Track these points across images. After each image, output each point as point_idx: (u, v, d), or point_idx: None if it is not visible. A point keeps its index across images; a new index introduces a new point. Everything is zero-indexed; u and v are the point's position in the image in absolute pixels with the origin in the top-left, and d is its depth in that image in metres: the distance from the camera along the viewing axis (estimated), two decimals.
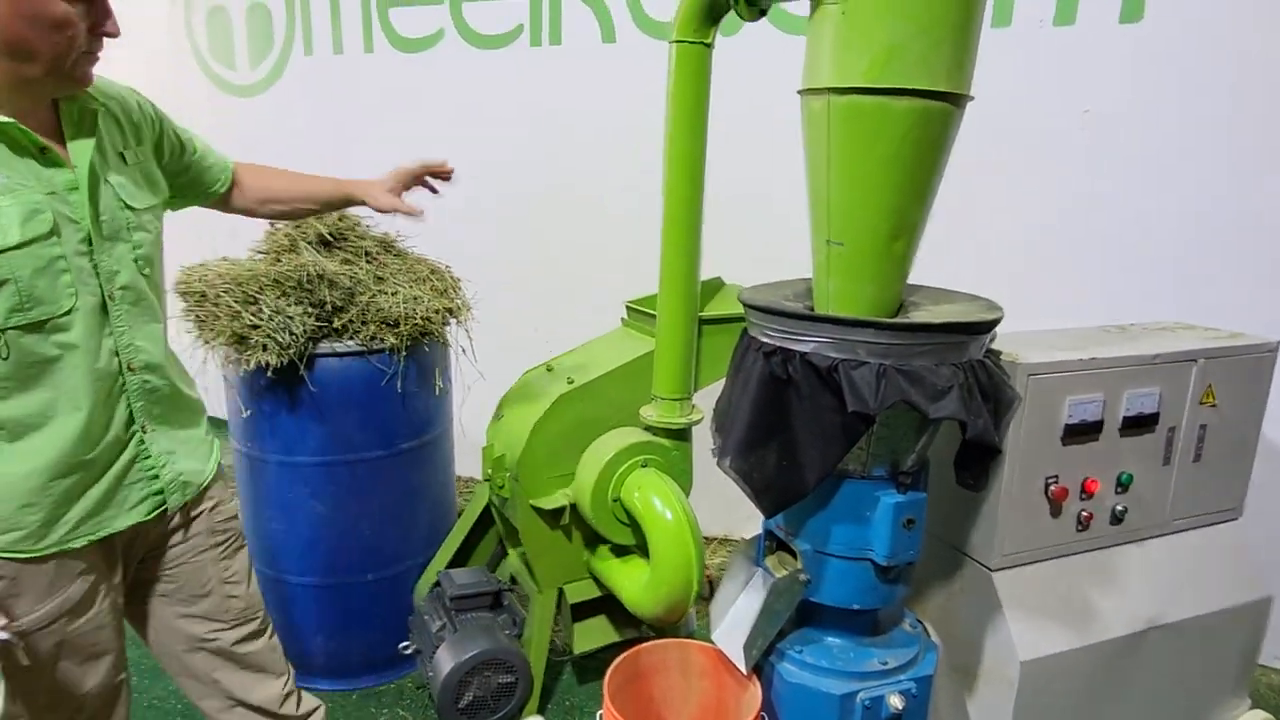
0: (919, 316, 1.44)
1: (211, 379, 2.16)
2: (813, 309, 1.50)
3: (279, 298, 2.03)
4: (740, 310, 1.68)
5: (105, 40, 1.26)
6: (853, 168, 1.33)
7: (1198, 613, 1.88)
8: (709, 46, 1.66)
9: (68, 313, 1.26)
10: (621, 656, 1.70)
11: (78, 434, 1.30)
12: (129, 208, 1.36)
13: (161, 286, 1.51)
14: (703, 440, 2.00)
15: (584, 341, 2.34)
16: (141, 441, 1.41)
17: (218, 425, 4.37)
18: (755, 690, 1.60)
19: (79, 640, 1.39)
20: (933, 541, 1.84)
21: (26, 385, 1.25)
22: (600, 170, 3.09)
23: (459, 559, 2.40)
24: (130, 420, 1.39)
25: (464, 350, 2.39)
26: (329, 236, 2.28)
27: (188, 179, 1.57)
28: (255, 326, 1.98)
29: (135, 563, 1.54)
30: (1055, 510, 1.76)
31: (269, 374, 2.01)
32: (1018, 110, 2.41)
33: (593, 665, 2.42)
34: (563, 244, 3.27)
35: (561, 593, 2.16)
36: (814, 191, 1.41)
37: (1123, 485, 1.81)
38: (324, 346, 2.08)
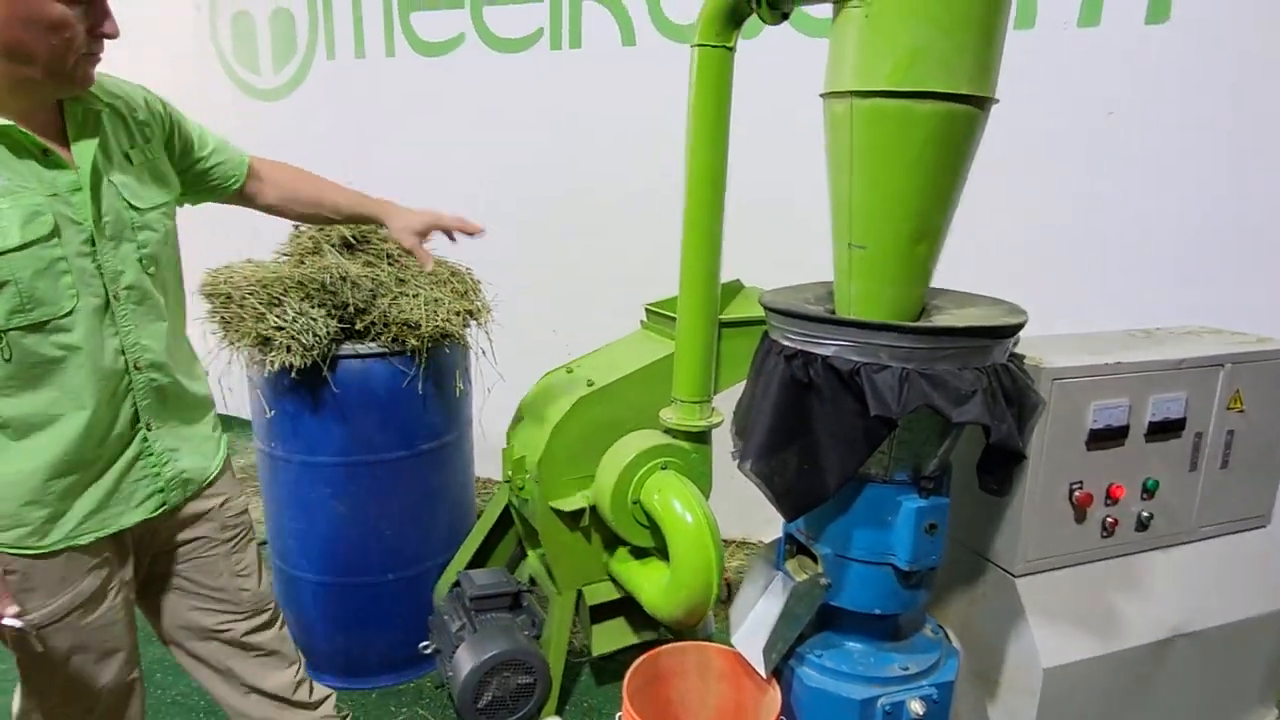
0: (942, 320, 1.44)
1: (236, 379, 2.19)
2: (834, 312, 1.50)
3: (303, 300, 2.05)
4: (760, 313, 1.68)
5: (107, 41, 1.26)
6: (875, 171, 1.32)
7: (1224, 621, 1.85)
8: (731, 50, 1.66)
9: (69, 313, 1.26)
10: (640, 659, 1.70)
11: (82, 432, 1.31)
12: (133, 207, 1.36)
13: (176, 284, 1.51)
14: (722, 443, 2.00)
15: (604, 344, 2.34)
16: (145, 439, 1.42)
17: (241, 425, 4.43)
18: (775, 694, 1.60)
19: (91, 636, 1.41)
20: (955, 546, 1.83)
21: (30, 385, 1.27)
22: (620, 173, 3.09)
23: (478, 560, 2.41)
24: (135, 418, 1.40)
25: (484, 352, 2.40)
26: (352, 239, 2.30)
27: (199, 175, 1.56)
28: (279, 328, 2.00)
29: (148, 558, 1.56)
30: (1080, 516, 1.74)
31: (292, 375, 2.03)
32: (1041, 112, 2.39)
33: (611, 667, 2.42)
34: (582, 247, 3.28)
35: (580, 594, 2.17)
36: (836, 195, 1.41)
37: (1148, 491, 1.79)
38: (346, 348, 2.10)
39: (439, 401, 2.27)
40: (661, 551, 1.97)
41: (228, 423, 4.22)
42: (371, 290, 2.16)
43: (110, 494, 1.39)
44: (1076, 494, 1.72)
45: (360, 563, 2.29)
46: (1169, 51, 2.32)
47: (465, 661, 2.02)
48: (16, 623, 1.24)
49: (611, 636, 2.21)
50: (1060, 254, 2.53)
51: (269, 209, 1.71)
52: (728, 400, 1.91)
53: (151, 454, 1.44)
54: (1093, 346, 1.77)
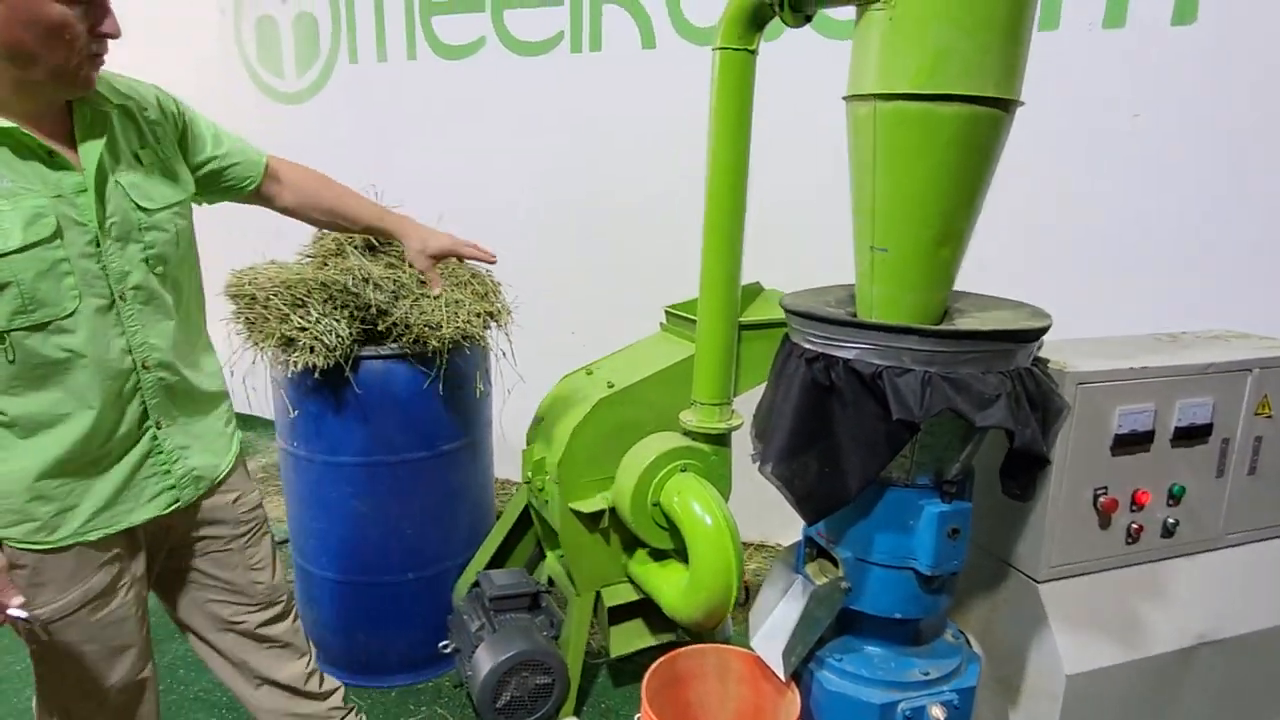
0: (965, 323, 1.43)
1: (260, 379, 2.22)
2: (855, 315, 1.50)
3: (326, 301, 2.07)
4: (779, 315, 1.68)
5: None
6: (899, 174, 1.32)
7: (1250, 629, 1.83)
8: (753, 53, 1.66)
9: (71, 314, 1.27)
10: (659, 660, 1.71)
11: (87, 431, 1.32)
12: (141, 208, 1.36)
13: (192, 282, 1.52)
14: (740, 446, 2.00)
15: (623, 346, 2.35)
16: (155, 437, 1.43)
17: (264, 425, 4.47)
18: (794, 698, 1.59)
19: (102, 632, 1.43)
20: (976, 551, 1.82)
21: (36, 385, 1.28)
22: (639, 176, 3.10)
23: (497, 560, 2.42)
24: (144, 416, 1.41)
25: (504, 354, 2.41)
26: (375, 241, 2.32)
27: (214, 175, 1.56)
28: (303, 329, 2.03)
29: (163, 554, 1.58)
30: (1104, 522, 1.73)
31: (315, 376, 2.05)
32: (1066, 115, 2.37)
33: (628, 668, 2.42)
34: (601, 249, 3.29)
35: (599, 595, 2.17)
36: (858, 198, 1.41)
37: (1174, 497, 1.77)
38: (368, 349, 2.12)
39: (459, 403, 2.28)
40: (681, 554, 1.98)
41: (250, 422, 4.30)
42: (393, 292, 2.17)
43: (120, 491, 1.40)
44: (1101, 500, 1.70)
45: (381, 562, 2.31)
46: (1196, 53, 2.29)
47: (484, 661, 2.04)
48: (22, 613, 1.25)
49: (629, 638, 2.22)
50: (1085, 257, 2.51)
51: (286, 212, 1.71)
52: (747, 403, 1.91)
53: (161, 452, 1.45)
54: (1118, 351, 1.75)
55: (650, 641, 2.22)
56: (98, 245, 1.30)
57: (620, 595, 2.17)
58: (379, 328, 2.13)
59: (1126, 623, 1.75)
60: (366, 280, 2.16)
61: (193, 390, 1.50)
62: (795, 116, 2.44)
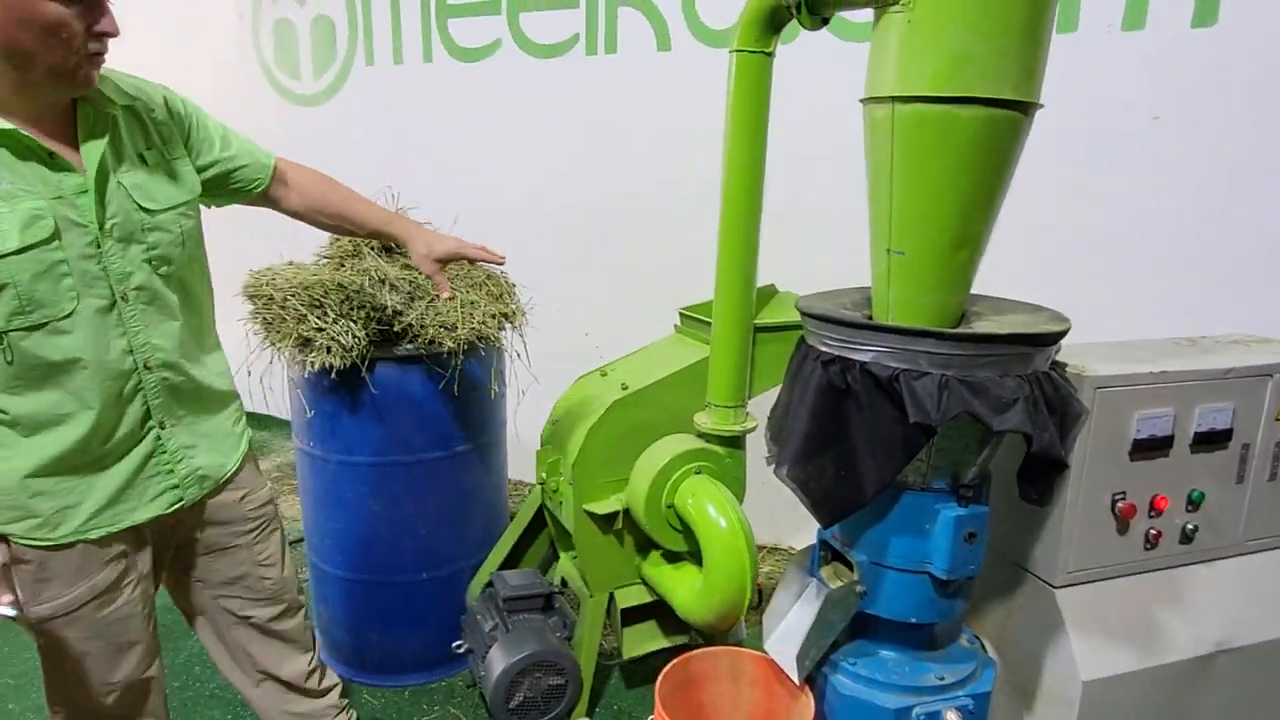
0: (982, 327, 1.42)
1: (277, 379, 2.23)
2: (871, 318, 1.49)
3: (342, 302, 2.08)
4: (794, 318, 1.67)
5: (109, 41, 1.25)
6: (916, 176, 1.32)
7: (1269, 637, 1.81)
8: (770, 56, 1.66)
9: (69, 315, 1.27)
10: (672, 663, 1.71)
11: (87, 431, 1.33)
12: (144, 209, 1.36)
13: (200, 282, 1.52)
14: (754, 448, 1.99)
15: (637, 348, 2.35)
16: (159, 437, 1.44)
17: (279, 424, 4.50)
18: (807, 701, 1.59)
19: (108, 629, 1.44)
20: (992, 556, 1.81)
21: (35, 385, 1.29)
22: (654, 178, 3.10)
23: (511, 561, 2.43)
24: (146, 416, 1.41)
25: (518, 355, 2.42)
26: (391, 243, 2.33)
27: (221, 177, 1.56)
28: (320, 330, 2.04)
29: (170, 552, 1.59)
30: (1122, 527, 1.71)
31: (332, 376, 2.07)
32: (1084, 117, 2.36)
33: (641, 670, 2.42)
34: (616, 251, 3.29)
35: (612, 597, 2.17)
36: (875, 200, 1.40)
37: (1193, 503, 1.75)
38: (384, 350, 2.13)
39: (474, 404, 2.29)
40: (694, 556, 1.97)
41: (266, 422, 4.32)
42: (409, 294, 2.19)
43: (122, 490, 1.41)
44: (1119, 505, 1.69)
45: (395, 562, 2.32)
46: (1216, 55, 2.27)
47: (498, 661, 2.04)
48: (9, 611, 1.27)
49: (642, 640, 2.22)
50: (1103, 260, 2.49)
51: (294, 215, 1.71)
52: (761, 406, 1.91)
53: (165, 451, 1.45)
54: (1137, 355, 1.74)
55: (663, 643, 2.22)
56: (98, 246, 1.30)
57: (633, 597, 2.17)
58: (395, 329, 2.14)
59: (1144, 629, 1.73)
60: (383, 282, 2.17)
61: (200, 390, 1.51)
62: (811, 119, 2.44)
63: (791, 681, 1.59)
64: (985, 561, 1.51)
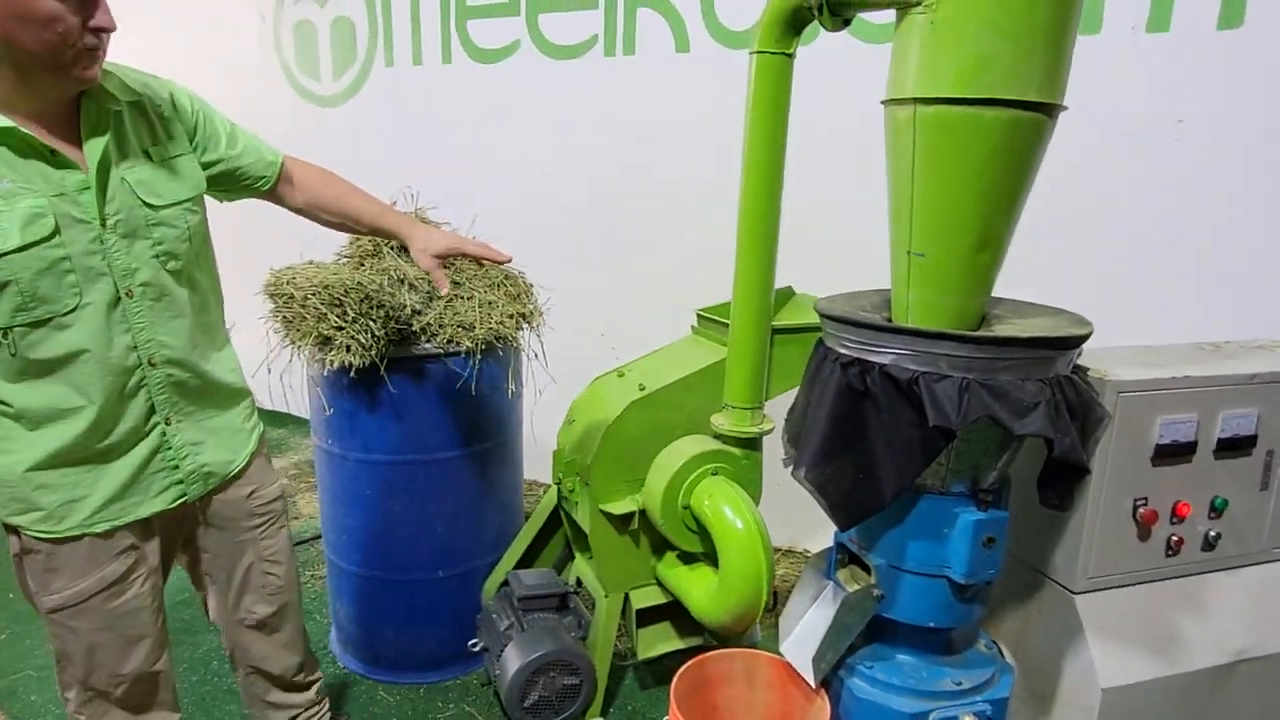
0: (1003, 330, 1.41)
1: (297, 377, 2.25)
2: (890, 320, 1.49)
3: (362, 301, 2.10)
4: (812, 320, 1.67)
5: (108, 36, 1.25)
6: (938, 178, 1.31)
7: None
8: (791, 57, 1.66)
9: (71, 310, 1.28)
10: (688, 664, 1.70)
11: (89, 425, 1.34)
12: (148, 204, 1.37)
13: (208, 278, 1.52)
14: (770, 450, 1.99)
15: (652, 349, 2.35)
16: (164, 433, 1.45)
17: (297, 422, 4.53)
18: (823, 705, 1.58)
19: (117, 621, 1.46)
20: (1011, 561, 1.79)
21: (39, 379, 1.30)
22: (672, 179, 3.10)
23: (526, 560, 2.43)
24: (151, 412, 1.42)
25: (536, 355, 2.43)
26: (391, 240, 2.33)
27: (227, 174, 1.56)
28: (339, 328, 2.05)
29: (178, 545, 1.61)
30: (1144, 534, 1.70)
31: (351, 374, 2.08)
32: (1107, 120, 2.34)
33: (655, 671, 2.43)
34: (634, 252, 3.29)
35: (627, 597, 2.18)
36: (896, 202, 1.40)
37: (1216, 510, 1.73)
38: (403, 349, 2.14)
39: (491, 403, 2.30)
40: (710, 557, 1.97)
41: (285, 419, 4.36)
42: (427, 293, 2.20)
43: (127, 485, 1.42)
44: (1141, 511, 1.67)
45: (411, 559, 2.33)
46: (1242, 58, 2.24)
47: (513, 660, 2.05)
48: None
49: (657, 640, 2.22)
50: (1124, 264, 2.47)
51: (297, 211, 1.72)
52: (777, 408, 1.91)
53: (170, 448, 1.47)
54: (1159, 360, 1.72)
55: (678, 645, 2.22)
56: (102, 242, 1.31)
57: (648, 598, 2.18)
58: (413, 328, 2.15)
59: (1165, 637, 1.71)
60: (402, 281, 2.19)
61: (209, 386, 1.52)
62: (831, 120, 2.43)
63: (807, 685, 1.58)
64: (1004, 566, 1.50)
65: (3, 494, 1.36)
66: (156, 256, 1.39)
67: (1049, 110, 1.26)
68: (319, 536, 2.88)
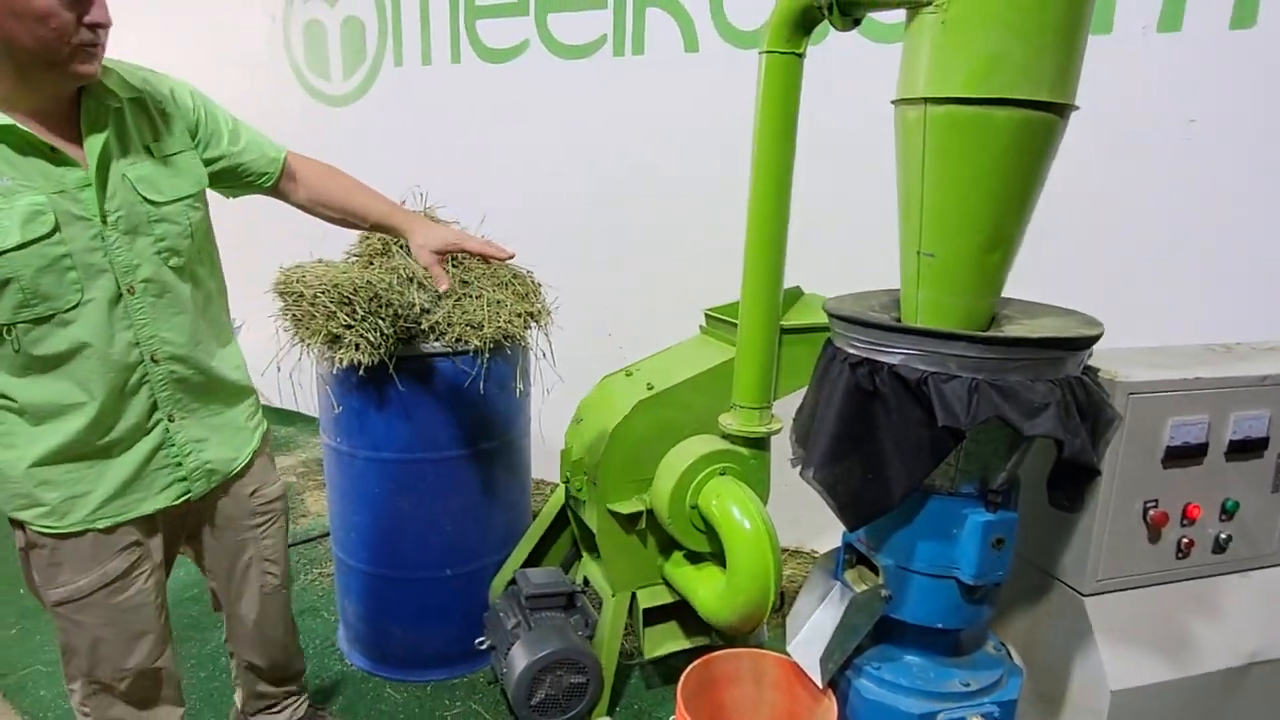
0: (1013, 330, 1.41)
1: (306, 375, 2.26)
2: (899, 320, 1.48)
3: (371, 300, 2.10)
4: (820, 320, 1.67)
5: (105, 31, 1.24)
6: (948, 178, 1.31)
7: None
8: (801, 57, 1.66)
9: (73, 307, 1.29)
10: (694, 664, 1.70)
11: (90, 421, 1.35)
12: (149, 201, 1.37)
13: (211, 274, 1.53)
14: (778, 451, 1.99)
15: (659, 348, 2.35)
16: (167, 430, 1.45)
17: (306, 420, 4.54)
18: (830, 705, 1.58)
19: (121, 616, 1.47)
20: (1020, 562, 1.79)
21: (42, 375, 1.31)
22: (680, 179, 3.10)
23: (534, 559, 2.44)
24: (154, 408, 1.43)
25: (544, 354, 2.43)
26: (393, 236, 2.34)
27: (230, 170, 1.56)
28: (349, 327, 2.06)
29: (181, 542, 1.63)
30: (1154, 536, 1.69)
31: (360, 372, 2.09)
32: (1118, 120, 2.33)
33: (661, 671, 2.42)
34: (642, 251, 3.29)
35: (634, 597, 2.18)
36: (906, 202, 1.40)
37: (1227, 512, 1.72)
38: (412, 347, 2.15)
39: (500, 401, 2.30)
40: (718, 557, 1.97)
41: (294, 417, 4.37)
42: (436, 292, 2.20)
43: (130, 482, 1.43)
44: (1151, 513, 1.66)
45: (419, 557, 2.34)
46: (1254, 58, 2.23)
47: (520, 659, 2.05)
48: None
49: (664, 640, 2.22)
50: (1135, 265, 2.46)
51: (300, 208, 1.72)
52: (785, 408, 1.91)
53: (173, 444, 1.47)
54: (1170, 361, 1.72)
55: (684, 644, 2.22)
56: (103, 239, 1.31)
57: (656, 597, 2.18)
58: (422, 326, 2.16)
59: (1175, 639, 1.70)
60: (411, 280, 2.19)
61: (213, 384, 1.52)
62: (840, 120, 2.43)
63: (814, 685, 1.58)
64: (1013, 568, 1.49)
65: (7, 489, 1.37)
66: (159, 253, 1.39)
67: (1060, 110, 1.26)
68: (327, 534, 2.89)
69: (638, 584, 2.17)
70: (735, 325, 1.96)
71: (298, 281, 2.16)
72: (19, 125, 1.22)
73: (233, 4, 4.17)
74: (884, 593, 1.53)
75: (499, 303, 2.24)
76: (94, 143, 1.30)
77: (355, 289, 2.10)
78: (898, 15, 1.35)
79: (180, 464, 1.49)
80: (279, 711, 1.97)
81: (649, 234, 3.25)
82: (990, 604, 1.55)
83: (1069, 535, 1.71)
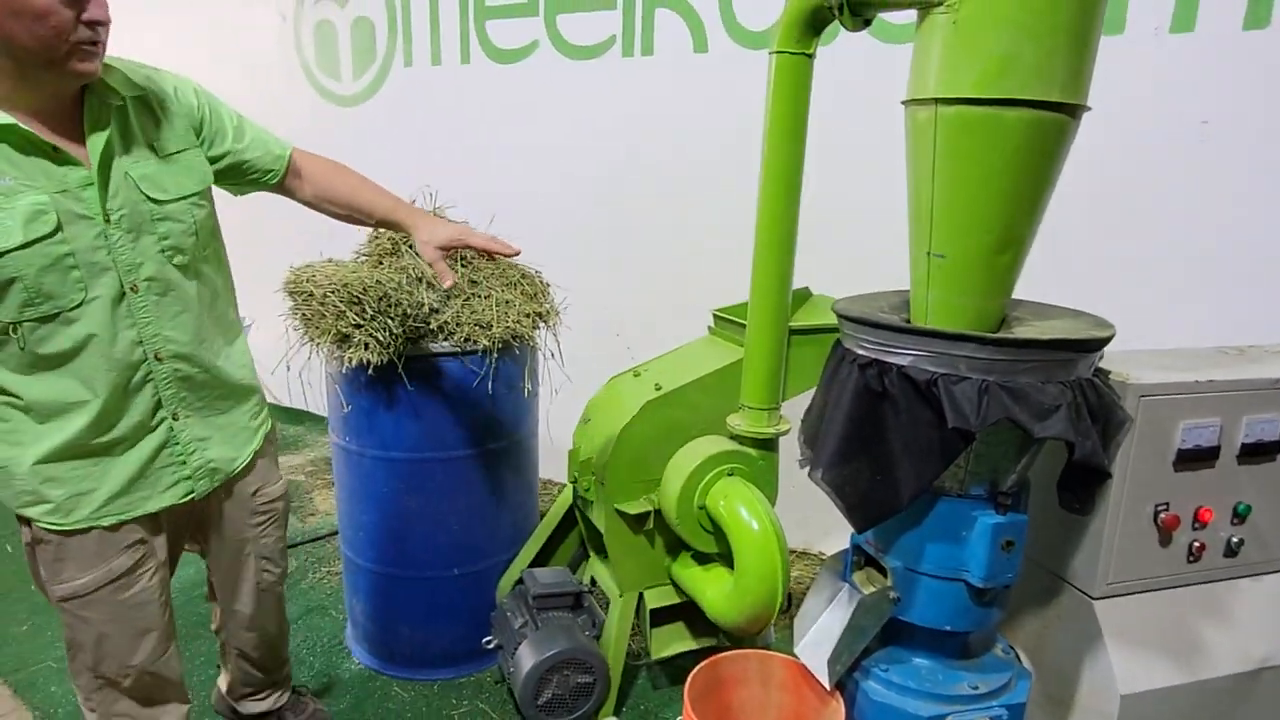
0: (1024, 332, 1.40)
1: (316, 374, 2.27)
2: (909, 321, 1.48)
3: (380, 299, 2.11)
4: (829, 321, 1.66)
5: (105, 29, 1.24)
6: (959, 179, 1.30)
7: None
8: (811, 57, 1.65)
9: (77, 305, 1.29)
10: (702, 664, 1.70)
11: (92, 419, 1.35)
12: (152, 199, 1.37)
13: (218, 272, 1.53)
14: (786, 452, 1.99)
15: (668, 349, 2.35)
16: (171, 428, 1.46)
17: (314, 420, 4.55)
18: (838, 707, 1.58)
19: (125, 613, 1.48)
20: (1030, 565, 1.78)
21: (47, 372, 1.31)
22: (689, 179, 3.10)
23: (541, 559, 2.44)
24: (158, 406, 1.43)
25: (552, 354, 2.43)
26: (398, 232, 2.34)
27: (235, 167, 1.56)
28: (358, 326, 2.07)
29: (185, 539, 1.64)
30: (1165, 539, 1.68)
31: (369, 372, 2.09)
32: (1131, 121, 2.31)
33: (667, 671, 2.42)
34: (650, 252, 3.29)
35: (641, 597, 2.18)
36: (916, 203, 1.39)
37: (1239, 516, 1.71)
38: (420, 347, 2.16)
39: (508, 401, 2.31)
40: (725, 558, 1.97)
41: (303, 416, 4.39)
42: (445, 291, 2.21)
43: (134, 480, 1.43)
44: (1162, 516, 1.65)
45: (427, 557, 2.34)
46: (1268, 58, 2.21)
47: (527, 658, 2.05)
48: None
49: (671, 640, 2.22)
50: (1148, 267, 2.44)
51: (306, 204, 1.72)
52: (793, 409, 1.90)
53: (178, 443, 1.48)
54: (1182, 363, 1.71)
55: (691, 645, 2.22)
56: (106, 238, 1.31)
57: (663, 598, 2.18)
58: (431, 326, 2.17)
59: (1185, 643, 1.69)
60: (420, 279, 2.20)
61: (219, 383, 1.52)
62: (850, 121, 2.42)
63: (822, 686, 1.58)
64: (1022, 570, 1.48)
65: (14, 486, 1.38)
66: (162, 251, 1.39)
67: (1072, 111, 1.25)
68: (335, 533, 2.90)
69: (645, 584, 2.17)
70: (744, 326, 1.96)
71: (307, 281, 2.17)
72: (20, 125, 1.22)
73: (244, 4, 4.19)
74: (892, 595, 1.53)
75: (507, 303, 2.25)
76: (96, 141, 1.31)
77: (365, 288, 2.11)
78: (908, 16, 1.35)
79: (184, 462, 1.50)
80: (264, 698, 2.00)
81: (658, 235, 3.25)
82: (999, 606, 1.55)
83: (1079, 538, 1.70)
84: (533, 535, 2.47)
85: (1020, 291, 1.45)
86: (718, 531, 1.96)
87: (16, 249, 1.23)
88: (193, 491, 1.52)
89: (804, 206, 1.82)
